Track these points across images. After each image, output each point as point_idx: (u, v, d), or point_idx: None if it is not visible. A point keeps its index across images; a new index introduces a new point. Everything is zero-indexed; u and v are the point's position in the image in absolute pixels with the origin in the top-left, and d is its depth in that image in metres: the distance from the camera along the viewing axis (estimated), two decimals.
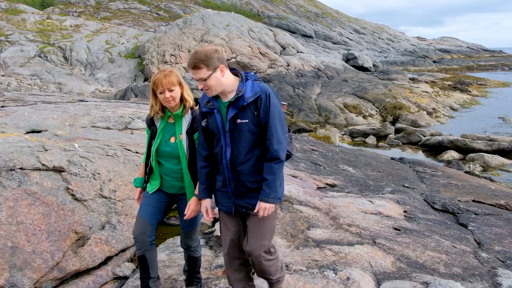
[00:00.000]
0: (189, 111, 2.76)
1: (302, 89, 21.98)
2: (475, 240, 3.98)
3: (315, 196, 4.49)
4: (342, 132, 16.46)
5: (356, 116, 19.29)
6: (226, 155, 2.41)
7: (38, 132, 5.46)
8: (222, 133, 2.40)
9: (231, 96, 2.37)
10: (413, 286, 2.77)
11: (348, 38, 61.74)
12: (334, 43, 56.14)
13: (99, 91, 27.54)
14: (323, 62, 30.04)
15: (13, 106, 10.25)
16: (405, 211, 4.43)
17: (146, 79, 28.07)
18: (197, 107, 2.72)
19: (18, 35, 37.40)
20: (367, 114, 19.66)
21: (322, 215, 3.94)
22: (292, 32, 50.46)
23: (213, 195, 2.64)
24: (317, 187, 5.07)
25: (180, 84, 2.70)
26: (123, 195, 3.84)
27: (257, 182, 2.41)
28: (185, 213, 2.68)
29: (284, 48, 30.59)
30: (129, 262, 3.36)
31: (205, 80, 2.28)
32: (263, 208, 2.34)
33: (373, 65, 34.31)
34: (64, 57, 34.77)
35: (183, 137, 2.71)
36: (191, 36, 30.46)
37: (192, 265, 2.99)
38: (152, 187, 2.86)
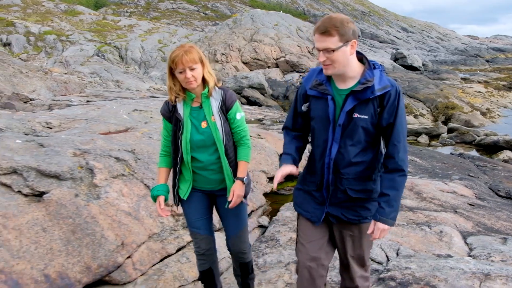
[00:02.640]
0: (216, 88, 2.45)
1: None
2: None
3: None
4: None
5: (407, 115, 19.32)
6: (331, 152, 2.03)
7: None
8: (331, 126, 2.01)
9: (351, 84, 1.99)
10: (493, 240, 3.32)
11: (395, 36, 60.56)
12: (380, 42, 55.32)
13: (154, 88, 29.00)
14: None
15: (97, 101, 11.37)
16: (474, 193, 4.92)
17: None
18: (220, 84, 2.48)
19: (77, 35, 39.68)
20: (418, 113, 19.63)
21: (407, 191, 4.56)
22: None
23: (293, 196, 2.31)
24: None
25: (202, 61, 2.38)
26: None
27: (361, 191, 2.05)
28: (229, 199, 2.40)
29: None
30: (263, 216, 4.31)
31: (333, 51, 1.89)
32: (381, 229, 1.97)
33: (423, 65, 33.71)
34: (119, 56, 36.57)
35: (216, 118, 2.39)
36: (241, 36, 31.31)
37: (245, 270, 2.68)
38: (184, 190, 2.51)
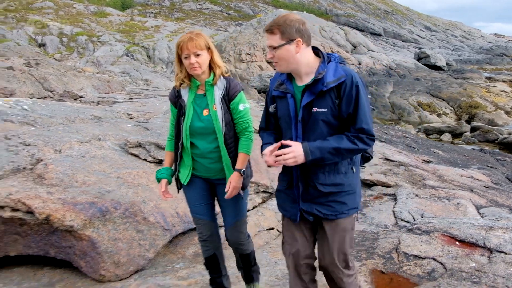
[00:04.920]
0: (221, 77, 2.46)
1: (375, 87, 22.70)
2: None
3: (421, 164, 5.84)
4: (417, 129, 17.11)
5: (430, 114, 19.71)
6: None
7: None
8: (293, 123, 2.05)
9: (308, 79, 2.01)
10: (502, 211, 4.00)
11: (418, 35, 60.13)
12: (404, 41, 55.09)
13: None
14: (395, 60, 30.27)
15: (139, 98, 12.35)
16: (490, 179, 5.60)
17: None
18: (228, 74, 2.49)
19: (107, 36, 40.97)
20: (441, 112, 20.00)
21: (430, 174, 5.25)
22: (360, 30, 50.38)
23: (275, 197, 2.41)
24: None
25: (208, 48, 2.39)
26: None
27: (331, 185, 2.05)
28: (225, 190, 2.41)
29: (355, 47, 31.21)
30: None
31: (275, 49, 1.97)
32: (294, 151, 1.94)
33: (446, 64, 33.71)
34: (147, 55, 37.62)
35: (217, 107, 2.40)
36: (265, 36, 32.02)
37: (247, 261, 2.70)
38: (184, 175, 2.53)
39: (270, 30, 1.98)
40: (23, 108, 5.46)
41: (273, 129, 2.24)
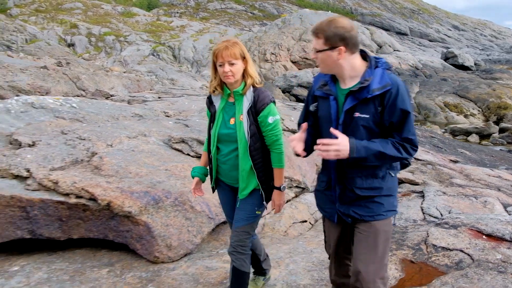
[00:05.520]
0: (251, 89, 2.46)
1: None
2: None
3: (448, 163, 5.99)
4: (443, 130, 17.00)
5: (457, 115, 19.50)
6: None
7: None
8: (334, 125, 2.05)
9: (352, 83, 2.02)
10: None
11: (446, 35, 59.00)
12: (430, 41, 54.17)
13: (206, 86, 30.50)
14: (421, 60, 29.94)
15: (167, 97, 12.77)
16: None
17: None
18: (261, 85, 2.50)
19: (134, 36, 41.87)
20: (468, 113, 19.75)
21: (457, 173, 5.40)
22: (385, 29, 49.86)
23: (306, 192, 2.60)
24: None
25: (243, 58, 2.41)
26: None
27: (368, 189, 2.07)
28: (272, 208, 2.54)
29: (380, 47, 31.03)
30: None
31: (318, 52, 2.01)
32: (340, 143, 1.94)
33: (474, 64, 33.07)
34: (173, 55, 38.25)
35: (244, 118, 2.42)
36: (290, 36, 32.19)
37: (234, 280, 2.61)
38: (211, 177, 2.66)
39: (315, 33, 2.00)
40: (72, 106, 5.90)
41: (311, 125, 2.24)
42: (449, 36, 58.72)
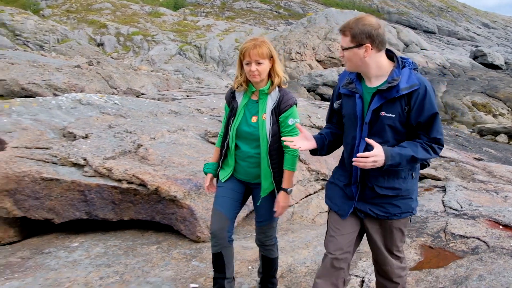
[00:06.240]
0: (276, 89, 2.47)
1: None
2: None
3: (471, 160, 6.21)
4: (470, 130, 16.87)
5: (485, 114, 19.28)
6: (359, 149, 2.06)
7: None
8: (359, 124, 2.07)
9: (378, 82, 2.03)
10: None
11: (475, 33, 57.59)
12: (459, 39, 53.05)
13: (231, 85, 31.03)
14: (448, 59, 29.53)
15: (196, 96, 13.23)
16: None
17: None
18: (286, 86, 2.52)
19: (161, 35, 42.74)
20: (497, 113, 19.49)
21: (480, 170, 5.62)
22: (413, 28, 49.17)
23: (325, 188, 2.40)
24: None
25: (271, 57, 2.41)
26: None
27: (388, 189, 2.08)
28: (274, 209, 2.52)
29: (407, 46, 30.75)
30: None
31: (344, 50, 2.03)
32: (377, 155, 1.93)
33: (505, 63, 32.31)
34: (199, 54, 38.84)
35: (267, 117, 2.44)
36: (315, 35, 32.29)
37: (267, 267, 2.75)
38: (224, 174, 2.62)
39: (342, 31, 2.03)
40: (114, 102, 6.41)
41: (336, 123, 2.28)
42: (478, 34, 57.31)
